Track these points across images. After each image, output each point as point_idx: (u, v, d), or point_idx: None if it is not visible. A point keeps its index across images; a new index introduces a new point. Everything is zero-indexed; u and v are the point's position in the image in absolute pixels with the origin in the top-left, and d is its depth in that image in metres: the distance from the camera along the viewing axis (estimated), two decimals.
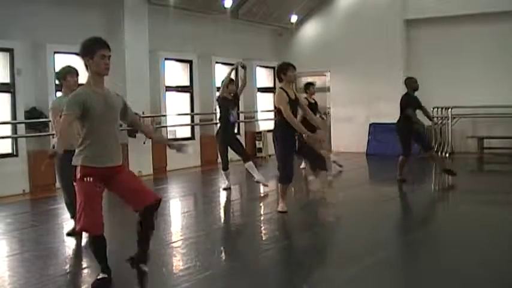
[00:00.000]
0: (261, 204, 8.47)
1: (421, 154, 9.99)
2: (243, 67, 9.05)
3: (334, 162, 10.98)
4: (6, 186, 8.76)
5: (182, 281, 4.21)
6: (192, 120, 12.95)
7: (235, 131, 9.60)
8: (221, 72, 13.28)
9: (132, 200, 4.28)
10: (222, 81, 8.99)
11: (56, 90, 9.15)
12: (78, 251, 5.73)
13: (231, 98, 8.94)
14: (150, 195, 4.33)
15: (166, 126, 11.92)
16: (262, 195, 8.93)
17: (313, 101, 10.20)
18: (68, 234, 6.13)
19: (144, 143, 10.31)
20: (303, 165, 10.50)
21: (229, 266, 5.17)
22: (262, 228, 6.86)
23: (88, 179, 4.14)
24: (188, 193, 9.95)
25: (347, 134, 14.59)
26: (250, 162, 8.92)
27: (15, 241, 6.29)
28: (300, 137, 7.00)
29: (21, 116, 9.22)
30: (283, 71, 6.96)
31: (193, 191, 10.28)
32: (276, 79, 7.11)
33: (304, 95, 10.07)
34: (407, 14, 14.11)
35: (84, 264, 5.23)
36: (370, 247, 5.50)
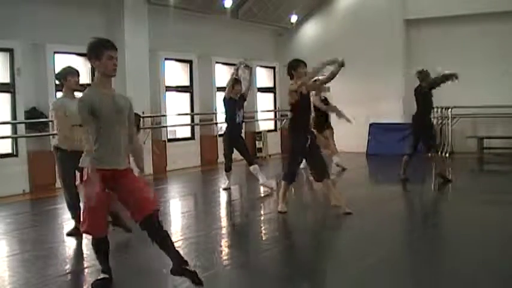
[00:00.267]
0: (261, 204, 8.48)
1: (423, 154, 9.96)
2: (247, 67, 8.98)
3: (338, 166, 10.96)
4: (6, 186, 8.76)
5: (182, 281, 4.21)
6: (192, 120, 12.95)
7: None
8: (221, 72, 13.31)
9: (132, 209, 4.22)
10: (227, 84, 8.93)
11: (56, 90, 9.15)
12: (78, 251, 5.73)
13: (237, 98, 8.90)
14: (149, 204, 4.20)
15: (166, 126, 11.92)
16: (262, 195, 8.93)
17: (323, 97, 10.47)
18: (68, 234, 6.14)
19: (144, 143, 10.31)
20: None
21: (229, 266, 5.16)
22: (262, 228, 6.87)
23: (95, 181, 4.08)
24: (188, 193, 9.94)
25: (347, 134, 14.54)
26: (256, 166, 8.87)
27: (15, 241, 6.28)
28: (312, 136, 6.99)
29: (21, 116, 9.22)
30: (293, 68, 6.85)
31: (193, 191, 10.27)
32: (288, 76, 6.99)
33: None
34: (407, 14, 14.11)
35: (85, 265, 5.22)
36: (370, 247, 5.50)
